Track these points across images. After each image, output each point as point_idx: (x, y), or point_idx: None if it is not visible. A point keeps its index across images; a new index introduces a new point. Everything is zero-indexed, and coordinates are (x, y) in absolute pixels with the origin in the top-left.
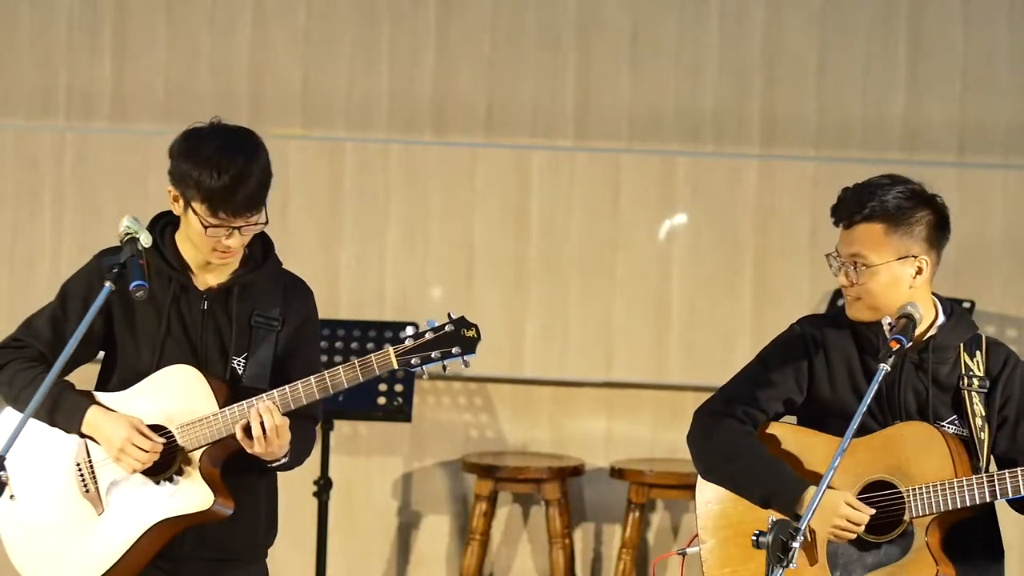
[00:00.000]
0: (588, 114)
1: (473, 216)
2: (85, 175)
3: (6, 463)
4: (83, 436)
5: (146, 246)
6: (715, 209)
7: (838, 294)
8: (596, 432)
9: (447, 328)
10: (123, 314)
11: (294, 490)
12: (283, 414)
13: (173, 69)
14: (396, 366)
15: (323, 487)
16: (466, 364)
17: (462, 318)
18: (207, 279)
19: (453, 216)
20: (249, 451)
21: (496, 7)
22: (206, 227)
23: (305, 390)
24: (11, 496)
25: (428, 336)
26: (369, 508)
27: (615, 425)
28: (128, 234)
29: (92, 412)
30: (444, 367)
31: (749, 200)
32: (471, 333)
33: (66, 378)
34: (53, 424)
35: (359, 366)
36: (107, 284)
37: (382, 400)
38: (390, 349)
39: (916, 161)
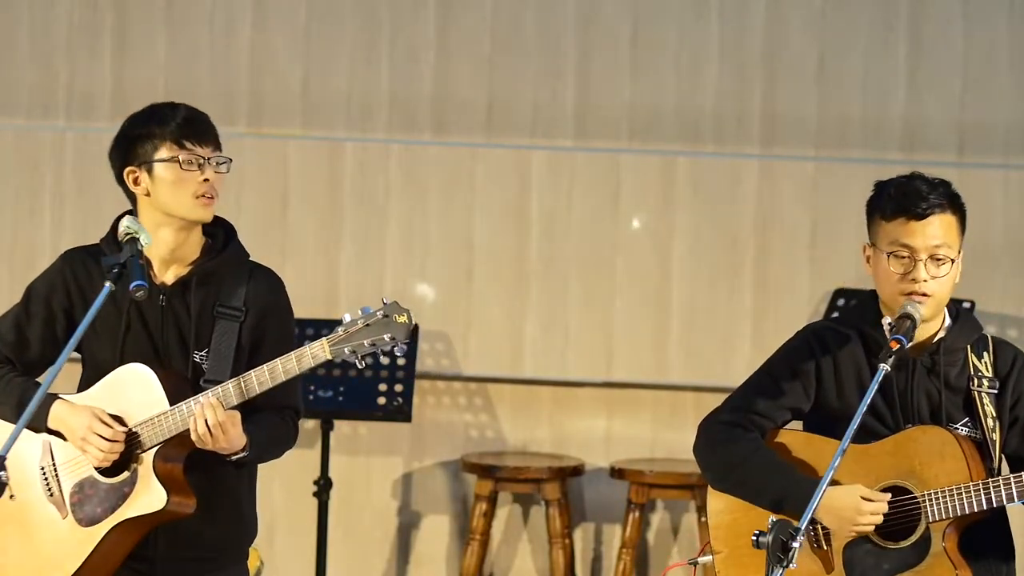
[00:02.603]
0: (588, 114)
1: (473, 216)
2: (85, 175)
3: (6, 463)
4: (51, 432)
5: (146, 245)
6: (715, 209)
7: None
8: (596, 432)
9: (379, 315)
10: (85, 313)
11: (294, 490)
12: (254, 407)
13: (173, 69)
14: (330, 356)
15: (323, 487)
16: (401, 351)
17: (394, 303)
18: (166, 275)
19: (453, 216)
20: (200, 447)
21: (496, 7)
22: (180, 163)
23: (246, 384)
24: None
25: (359, 324)
26: (369, 508)
27: (615, 425)
28: (128, 234)
29: (56, 406)
30: (379, 355)
31: (749, 200)
32: (403, 319)
33: (36, 380)
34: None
35: (295, 357)
36: (107, 284)
37: (382, 400)
38: (323, 340)
39: (916, 161)
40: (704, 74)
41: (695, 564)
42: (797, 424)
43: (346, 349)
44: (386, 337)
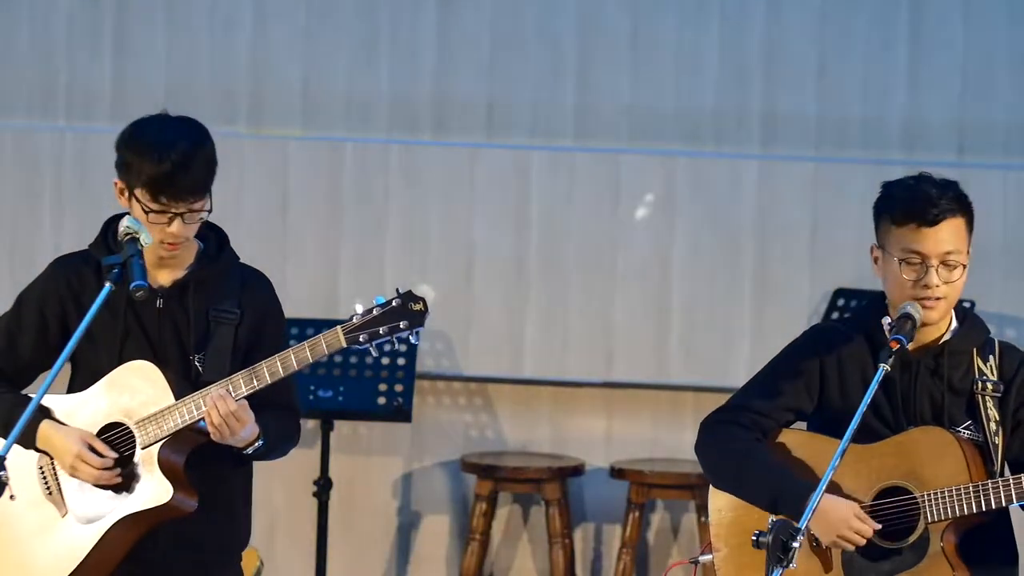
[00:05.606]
0: (588, 114)
1: (473, 216)
2: (85, 175)
3: (6, 463)
4: (39, 451)
5: (146, 244)
6: (715, 209)
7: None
8: (596, 432)
9: (394, 303)
10: (80, 320)
11: (294, 490)
12: (256, 402)
13: (173, 69)
14: (344, 344)
15: (323, 487)
16: (416, 339)
17: (409, 292)
18: (161, 277)
19: (453, 216)
20: (216, 440)
21: (496, 7)
22: (147, 213)
23: (257, 375)
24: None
25: (375, 312)
26: (369, 508)
27: (615, 425)
28: (128, 234)
29: (44, 427)
30: (393, 343)
31: (749, 200)
32: (418, 307)
33: (24, 393)
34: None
35: (308, 347)
36: (107, 285)
37: (382, 400)
38: (338, 328)
39: (916, 161)
40: (704, 74)
41: (696, 563)
42: (802, 424)
43: (361, 337)
44: (402, 324)
